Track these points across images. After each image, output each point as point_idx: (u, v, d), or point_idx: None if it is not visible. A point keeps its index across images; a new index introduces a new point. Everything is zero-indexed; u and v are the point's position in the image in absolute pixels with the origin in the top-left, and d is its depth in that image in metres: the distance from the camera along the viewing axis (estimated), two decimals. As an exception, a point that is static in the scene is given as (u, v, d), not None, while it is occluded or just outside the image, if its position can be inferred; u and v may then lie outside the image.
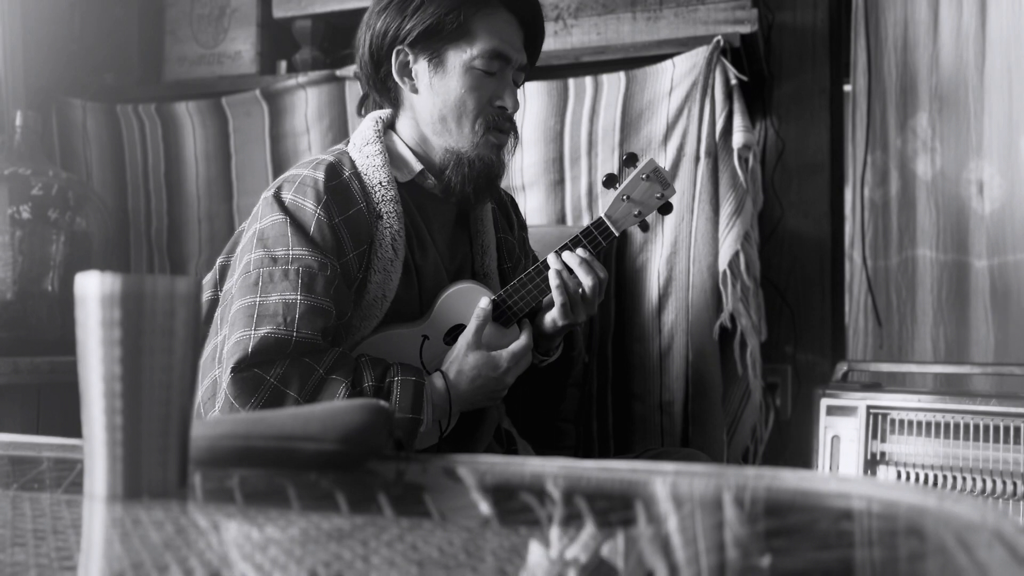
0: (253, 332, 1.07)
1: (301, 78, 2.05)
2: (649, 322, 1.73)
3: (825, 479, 0.67)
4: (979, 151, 1.91)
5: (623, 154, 1.80)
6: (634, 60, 1.84)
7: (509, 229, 1.43)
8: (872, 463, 1.49)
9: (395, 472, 0.71)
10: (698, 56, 1.73)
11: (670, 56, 1.77)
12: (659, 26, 1.87)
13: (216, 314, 1.19)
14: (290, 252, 1.12)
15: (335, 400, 1.06)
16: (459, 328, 1.23)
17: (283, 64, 2.18)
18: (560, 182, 1.86)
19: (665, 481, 0.65)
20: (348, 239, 1.16)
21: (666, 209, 1.24)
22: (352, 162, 1.22)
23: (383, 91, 1.28)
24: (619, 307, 1.76)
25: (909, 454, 1.47)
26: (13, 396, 1.68)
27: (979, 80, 1.91)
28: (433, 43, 1.21)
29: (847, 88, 2.06)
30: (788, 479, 0.62)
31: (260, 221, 1.16)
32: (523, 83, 1.31)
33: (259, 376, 1.06)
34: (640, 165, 1.22)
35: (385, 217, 1.19)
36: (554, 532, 0.51)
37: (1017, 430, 1.39)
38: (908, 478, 1.47)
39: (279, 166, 2.08)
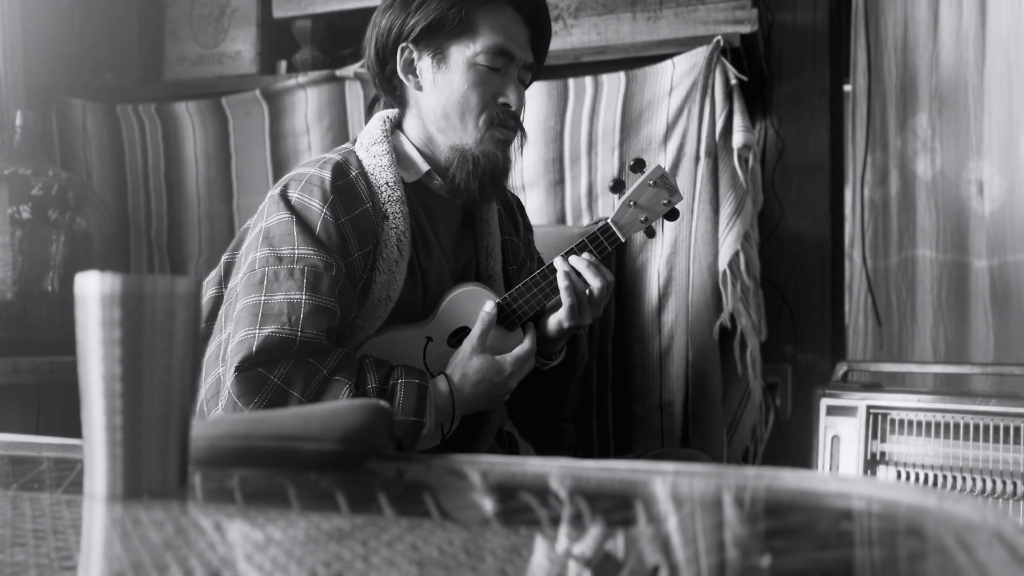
0: (258, 331, 1.07)
1: (301, 78, 2.06)
2: (649, 322, 1.73)
3: (825, 479, 0.67)
4: (979, 151, 1.91)
5: (623, 156, 1.80)
6: (634, 60, 1.84)
7: (515, 231, 1.42)
8: (872, 463, 1.49)
9: (395, 472, 0.71)
10: (698, 56, 1.73)
11: (670, 56, 1.77)
12: (659, 26, 1.87)
13: (220, 311, 1.19)
14: (296, 251, 1.11)
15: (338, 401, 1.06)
16: (463, 330, 1.23)
17: (283, 64, 2.18)
18: (560, 182, 1.86)
19: (665, 481, 0.65)
20: (354, 239, 1.15)
21: (672, 215, 1.24)
22: (359, 161, 1.21)
23: (390, 90, 1.28)
24: (619, 307, 1.76)
25: (909, 454, 1.47)
26: (13, 396, 1.68)
27: (979, 80, 1.91)
28: (436, 39, 1.20)
29: (847, 88, 2.06)
30: (788, 479, 0.62)
31: (266, 219, 1.16)
32: (530, 82, 1.30)
33: (263, 376, 1.06)
34: (647, 171, 1.22)
35: (391, 217, 1.18)
36: (554, 532, 0.51)
37: (1017, 430, 1.39)
38: (908, 478, 1.47)
39: (279, 166, 2.08)
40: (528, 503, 0.60)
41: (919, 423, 1.47)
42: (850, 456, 1.50)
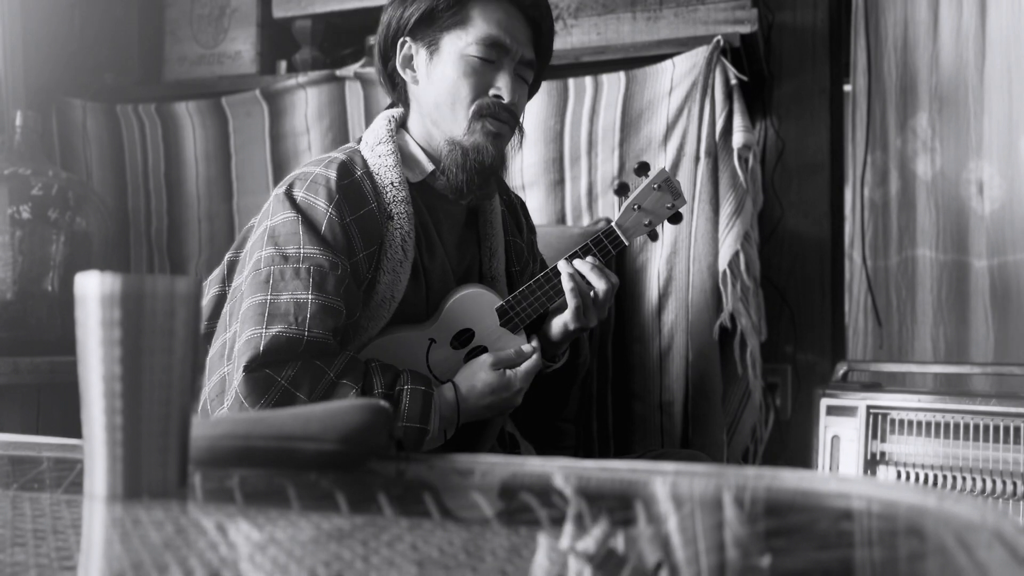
0: (264, 331, 1.07)
1: (301, 78, 2.06)
2: (649, 322, 1.73)
3: (825, 479, 0.67)
4: (979, 151, 1.91)
5: (623, 156, 1.80)
6: (634, 60, 1.84)
7: (518, 232, 1.42)
8: (872, 463, 1.49)
9: (395, 472, 0.71)
10: (698, 56, 1.73)
11: (670, 56, 1.77)
12: (659, 26, 1.87)
13: (224, 310, 1.19)
14: (301, 251, 1.11)
15: None
16: (466, 332, 1.23)
17: (283, 64, 2.18)
18: (560, 182, 1.86)
19: (665, 481, 0.65)
20: (359, 239, 1.15)
21: (676, 219, 1.24)
22: (364, 161, 1.21)
23: (393, 88, 1.28)
24: (619, 307, 1.76)
25: (909, 454, 1.47)
26: (13, 396, 1.68)
27: (979, 80, 1.91)
28: (431, 31, 1.20)
29: (847, 88, 2.06)
30: (788, 479, 0.62)
31: (271, 218, 1.15)
32: (536, 82, 1.29)
33: (270, 377, 1.06)
34: (652, 175, 1.22)
35: (396, 218, 1.18)
36: (555, 532, 0.51)
37: (1017, 430, 1.39)
38: (908, 478, 1.47)
39: (279, 166, 2.08)
40: (528, 503, 0.60)
41: (919, 423, 1.47)
42: (850, 456, 1.50)
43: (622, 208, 1.22)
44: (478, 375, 1.17)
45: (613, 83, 1.81)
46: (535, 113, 1.86)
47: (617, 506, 0.60)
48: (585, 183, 1.84)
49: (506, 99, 1.20)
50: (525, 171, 1.87)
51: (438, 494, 0.66)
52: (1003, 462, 1.40)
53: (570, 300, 1.19)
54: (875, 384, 1.58)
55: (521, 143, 1.28)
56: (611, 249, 1.22)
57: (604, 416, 1.77)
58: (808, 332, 1.97)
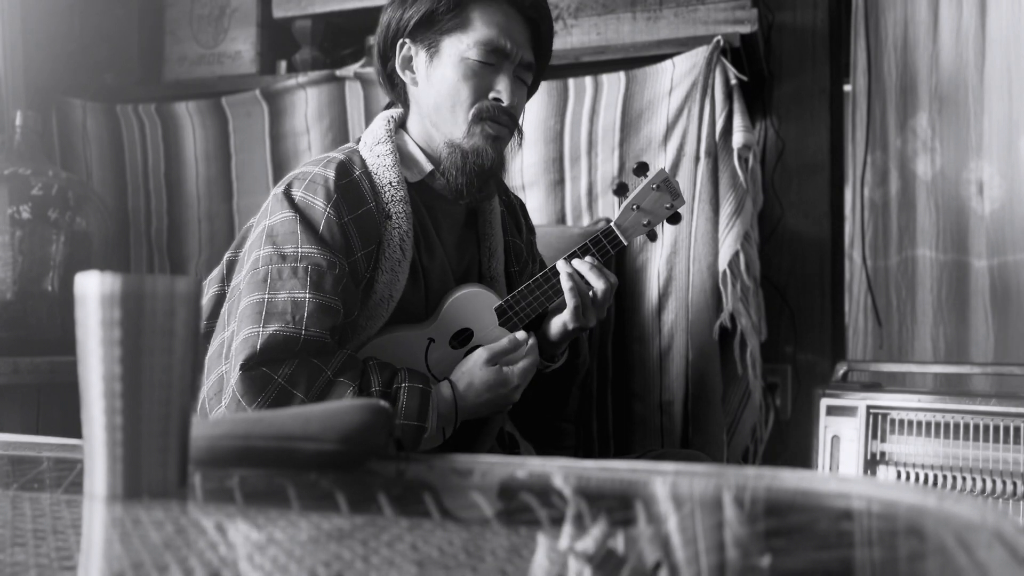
0: (262, 329, 1.07)
1: (301, 78, 2.06)
2: (649, 322, 1.73)
3: (825, 479, 0.67)
4: (979, 151, 1.91)
5: (623, 156, 1.80)
6: (634, 60, 1.84)
7: (517, 232, 1.42)
8: (872, 463, 1.49)
9: (395, 472, 0.71)
10: (698, 56, 1.73)
11: (670, 56, 1.77)
12: (659, 26, 1.87)
13: (223, 309, 1.19)
14: (299, 250, 1.11)
15: None
16: (465, 332, 1.23)
17: (283, 64, 2.18)
18: (560, 182, 1.86)
19: (665, 481, 0.65)
20: (357, 238, 1.15)
21: (675, 219, 1.24)
22: (362, 161, 1.21)
23: (392, 88, 1.28)
24: (619, 307, 1.76)
25: (909, 454, 1.47)
26: (13, 396, 1.68)
27: (979, 80, 1.91)
28: (431, 33, 1.20)
29: (847, 88, 2.06)
30: (788, 479, 0.62)
31: (269, 217, 1.16)
32: (532, 82, 1.29)
33: (267, 375, 1.06)
34: (651, 175, 1.22)
35: (394, 217, 1.18)
36: (555, 532, 0.51)
37: (1017, 430, 1.39)
38: (908, 478, 1.47)
39: (279, 166, 2.08)
40: (528, 503, 0.60)
41: (919, 423, 1.47)
42: (850, 456, 1.50)
43: (621, 208, 1.22)
44: (474, 372, 1.17)
45: (613, 83, 1.81)
46: (535, 113, 1.86)
47: (617, 506, 0.60)
48: (585, 183, 1.84)
49: (506, 102, 1.20)
50: (525, 171, 1.87)
51: (438, 494, 0.66)
52: (1003, 462, 1.40)
53: (569, 300, 1.19)
54: (875, 384, 1.58)
55: (520, 144, 1.28)
56: (610, 249, 1.22)
57: (604, 416, 1.77)
58: (808, 332, 1.97)
